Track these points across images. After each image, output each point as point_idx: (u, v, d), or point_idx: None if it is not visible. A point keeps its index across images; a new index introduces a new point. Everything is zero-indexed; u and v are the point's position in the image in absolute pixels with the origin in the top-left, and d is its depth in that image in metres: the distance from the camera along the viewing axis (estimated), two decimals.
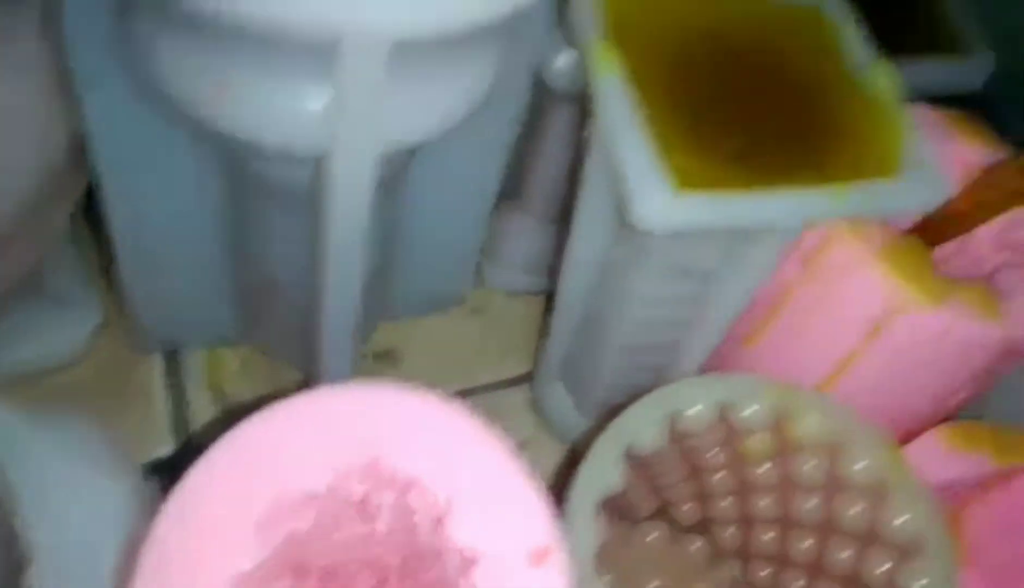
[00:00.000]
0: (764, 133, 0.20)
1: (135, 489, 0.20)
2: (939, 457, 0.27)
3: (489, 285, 0.35)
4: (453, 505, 0.19)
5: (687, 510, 0.29)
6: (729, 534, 0.29)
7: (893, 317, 0.25)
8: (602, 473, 0.22)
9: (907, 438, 0.28)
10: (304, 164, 0.20)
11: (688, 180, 0.19)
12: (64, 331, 0.29)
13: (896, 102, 0.22)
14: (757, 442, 0.25)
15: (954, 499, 0.29)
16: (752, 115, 0.21)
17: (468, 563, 0.19)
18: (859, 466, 0.24)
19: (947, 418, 0.29)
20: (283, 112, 0.18)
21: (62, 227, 0.27)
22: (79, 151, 0.24)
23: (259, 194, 0.24)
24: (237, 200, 0.25)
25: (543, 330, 0.32)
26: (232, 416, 0.30)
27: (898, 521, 0.23)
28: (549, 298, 0.32)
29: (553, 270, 0.30)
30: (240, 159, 0.22)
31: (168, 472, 0.28)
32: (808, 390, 0.24)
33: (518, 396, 0.34)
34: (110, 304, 0.30)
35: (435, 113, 0.19)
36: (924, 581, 0.22)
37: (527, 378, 0.34)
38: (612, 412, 0.24)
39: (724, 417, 0.24)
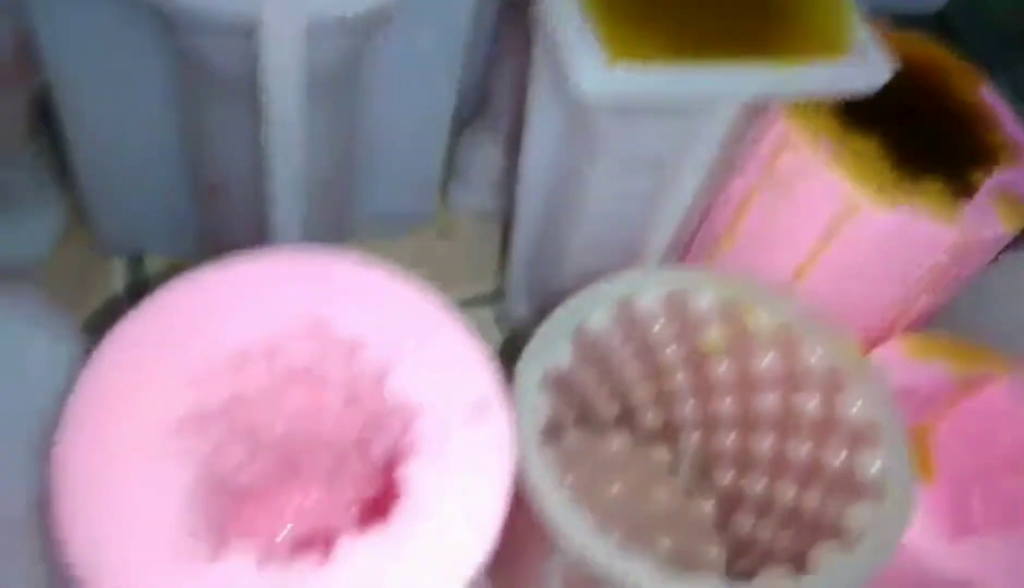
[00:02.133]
0: (710, 10, 0.20)
1: (76, 352, 0.19)
2: (898, 365, 0.27)
3: (456, 208, 0.35)
4: (395, 364, 0.19)
5: (650, 418, 0.29)
6: (692, 440, 0.29)
7: (848, 218, 0.25)
8: (549, 348, 0.22)
9: (870, 347, 0.28)
10: (238, 39, 0.20)
11: (626, 51, 0.19)
12: (25, 236, 0.29)
13: None
14: (713, 336, 0.25)
15: (916, 410, 0.29)
16: None
17: (410, 418, 0.18)
18: (814, 357, 0.24)
19: (909, 328, 0.29)
20: None
21: (18, 129, 0.27)
22: (25, 46, 0.24)
23: (204, 85, 0.24)
24: (186, 96, 0.25)
25: (509, 250, 0.32)
26: None
27: (853, 408, 0.23)
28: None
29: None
30: (183, 42, 0.22)
31: None
32: (759, 281, 0.24)
33: (485, 314, 0.34)
34: (73, 209, 0.30)
35: None
36: (878, 464, 0.22)
37: (494, 297, 0.34)
38: None
39: (677, 308, 0.24)
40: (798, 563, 0.21)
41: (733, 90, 0.20)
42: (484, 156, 0.34)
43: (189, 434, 0.18)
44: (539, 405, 0.21)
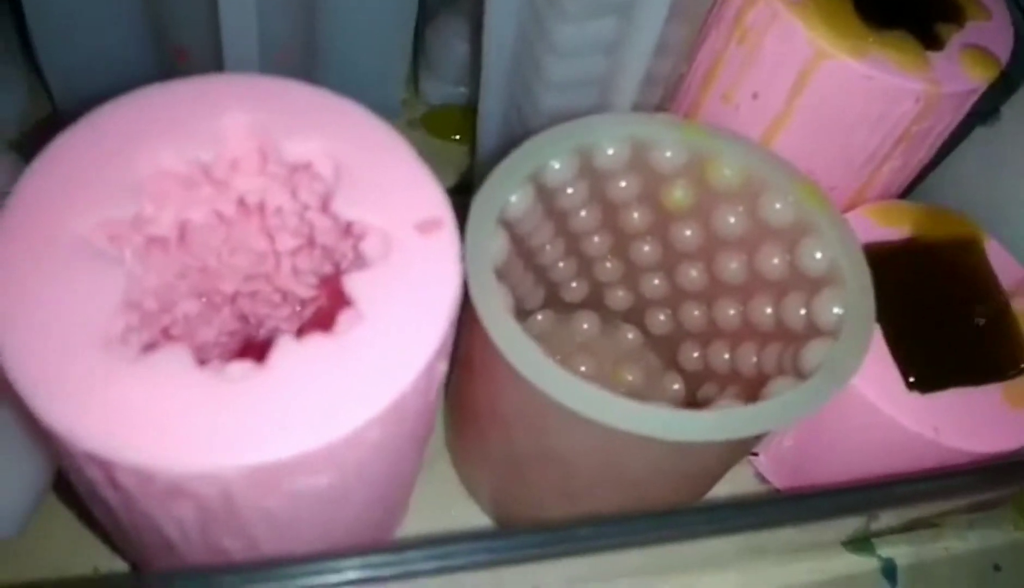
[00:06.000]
0: None
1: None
2: (868, 231, 0.27)
3: (426, 99, 0.35)
4: (341, 184, 0.18)
5: (619, 297, 0.29)
6: (661, 320, 0.29)
7: (816, 68, 0.25)
8: (504, 190, 0.21)
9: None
10: None
11: None
12: None
13: None
14: (678, 193, 0.25)
15: None
16: None
17: (359, 237, 0.18)
18: (779, 207, 0.23)
19: (882, 196, 0.29)
20: None
21: None
22: None
23: None
24: None
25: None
26: None
27: (816, 255, 0.23)
28: None
29: None
30: None
31: None
32: (724, 131, 0.24)
33: (459, 203, 0.33)
34: (38, 86, 0.30)
35: None
36: (837, 308, 0.22)
37: (465, 188, 0.33)
38: None
39: (640, 158, 0.24)
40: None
41: None
42: (454, 45, 0.33)
43: (135, 245, 0.18)
44: (492, 239, 0.21)
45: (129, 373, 0.15)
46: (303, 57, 0.29)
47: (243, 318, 0.24)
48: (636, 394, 0.29)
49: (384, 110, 0.33)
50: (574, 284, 0.29)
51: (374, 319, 0.17)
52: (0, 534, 0.20)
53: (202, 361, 0.16)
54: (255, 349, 0.24)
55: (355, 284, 0.17)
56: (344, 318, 0.17)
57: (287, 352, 0.16)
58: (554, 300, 0.30)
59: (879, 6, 0.25)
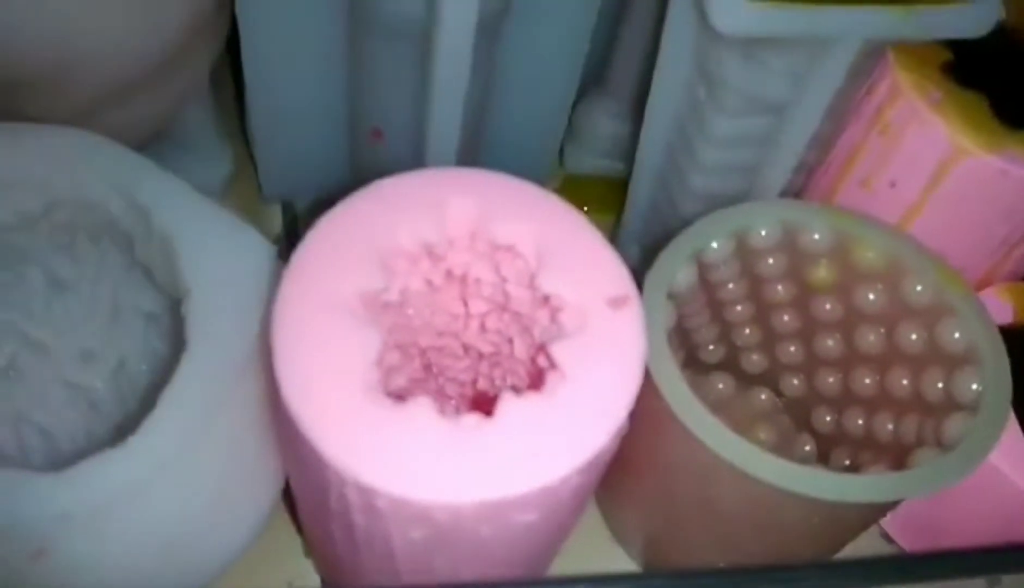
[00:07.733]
0: None
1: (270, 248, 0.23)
2: (999, 312, 0.29)
3: (570, 169, 0.38)
4: (541, 263, 0.22)
5: (754, 361, 0.31)
6: (795, 384, 0.31)
7: (954, 164, 0.27)
8: (672, 267, 0.24)
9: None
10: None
11: None
12: (196, 180, 0.33)
13: None
14: (822, 272, 0.27)
15: None
16: None
17: (557, 310, 0.21)
18: (919, 288, 0.26)
19: (1010, 278, 0.30)
20: None
21: (205, 74, 0.31)
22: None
23: (377, 36, 0.27)
24: (357, 48, 0.29)
25: (623, 205, 0.35)
26: None
27: (955, 335, 0.25)
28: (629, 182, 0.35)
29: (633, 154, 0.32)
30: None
31: None
32: (869, 218, 0.26)
33: None
34: (241, 156, 0.34)
35: None
36: (975, 385, 0.24)
37: None
38: None
39: (790, 241, 0.26)
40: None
41: (854, 29, 0.23)
42: (601, 119, 0.37)
43: (376, 310, 0.21)
44: (665, 310, 0.23)
45: (387, 417, 0.19)
46: (474, 135, 0.33)
47: (427, 367, 0.27)
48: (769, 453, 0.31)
49: (537, 178, 0.37)
50: (712, 347, 0.32)
51: (575, 381, 0.20)
52: (240, 550, 0.24)
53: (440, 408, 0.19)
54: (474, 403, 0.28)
55: (558, 350, 0.20)
56: (551, 379, 0.20)
57: (509, 406, 0.19)
58: (691, 361, 0.32)
59: (1013, 108, 0.27)
